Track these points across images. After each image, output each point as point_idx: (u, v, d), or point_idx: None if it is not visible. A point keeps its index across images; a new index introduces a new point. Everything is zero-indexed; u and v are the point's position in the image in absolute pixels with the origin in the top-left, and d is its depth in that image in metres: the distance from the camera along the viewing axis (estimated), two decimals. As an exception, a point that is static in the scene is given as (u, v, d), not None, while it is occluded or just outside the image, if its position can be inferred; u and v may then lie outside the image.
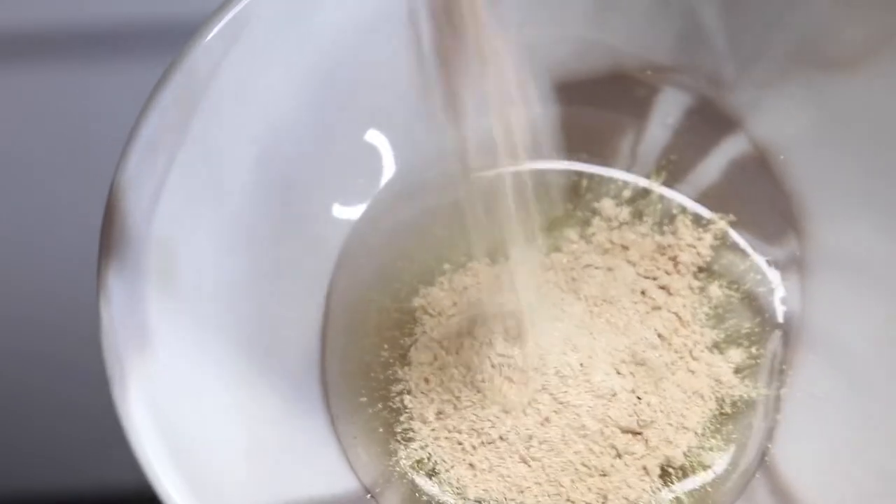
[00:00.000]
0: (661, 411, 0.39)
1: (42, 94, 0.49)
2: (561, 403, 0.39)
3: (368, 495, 0.39)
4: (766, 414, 0.40)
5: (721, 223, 0.42)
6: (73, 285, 0.43)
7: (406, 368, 0.41)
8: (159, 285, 0.37)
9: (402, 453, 0.39)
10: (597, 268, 0.41)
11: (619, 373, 0.39)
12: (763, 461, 0.39)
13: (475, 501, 0.39)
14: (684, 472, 0.39)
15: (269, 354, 0.39)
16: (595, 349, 0.40)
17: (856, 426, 0.39)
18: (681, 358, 0.40)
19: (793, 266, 0.41)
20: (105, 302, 0.36)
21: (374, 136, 0.42)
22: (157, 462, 0.34)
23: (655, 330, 0.40)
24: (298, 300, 0.41)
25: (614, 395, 0.39)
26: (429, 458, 0.39)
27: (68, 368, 0.47)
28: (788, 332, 0.40)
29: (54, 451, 0.47)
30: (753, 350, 0.40)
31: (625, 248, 0.42)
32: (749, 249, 0.42)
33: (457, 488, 0.39)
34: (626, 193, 0.42)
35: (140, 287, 0.36)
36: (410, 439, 0.40)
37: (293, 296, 0.40)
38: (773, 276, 0.41)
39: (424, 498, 0.39)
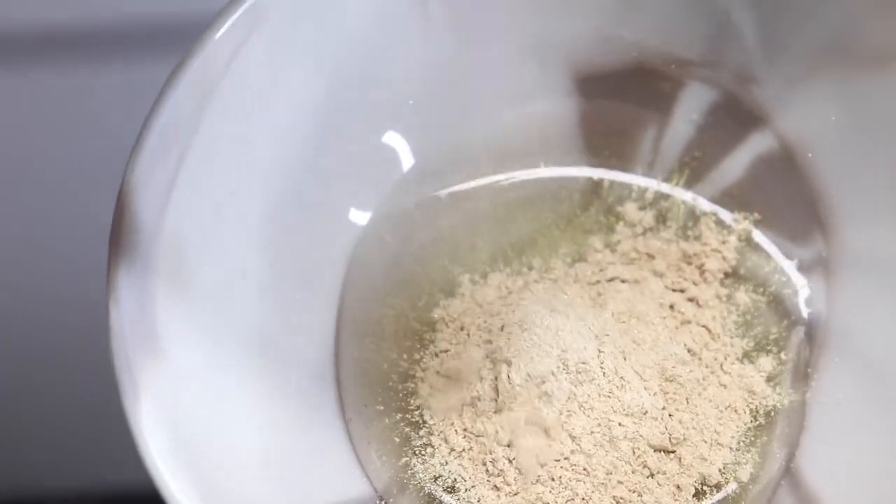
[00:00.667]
0: (694, 428, 0.38)
1: (52, 93, 0.47)
2: (590, 423, 0.38)
3: (382, 502, 0.38)
4: (791, 420, 0.39)
5: (745, 223, 0.41)
6: (83, 285, 0.42)
7: (426, 383, 0.40)
8: (170, 286, 0.36)
9: (419, 466, 0.38)
10: (623, 281, 0.40)
11: (649, 390, 0.38)
12: (789, 468, 0.38)
13: None
14: (718, 489, 0.38)
15: (283, 358, 0.38)
16: (624, 367, 0.38)
17: (881, 430, 0.38)
18: (712, 373, 0.39)
19: (818, 267, 0.40)
20: (115, 305, 0.35)
21: (392, 137, 0.41)
22: (169, 475, 0.33)
23: (685, 345, 0.39)
24: (313, 302, 0.39)
25: (645, 413, 0.38)
26: (448, 475, 0.38)
27: (77, 368, 0.46)
28: (813, 334, 0.40)
29: (62, 450, 0.46)
30: (782, 356, 0.39)
31: (650, 257, 0.41)
32: (774, 250, 0.41)
33: None
34: (649, 196, 0.41)
35: (150, 288, 0.35)
36: (429, 455, 0.39)
37: (308, 298, 0.39)
38: (798, 277, 0.40)
39: None
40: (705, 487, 0.38)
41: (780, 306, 0.40)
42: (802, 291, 0.40)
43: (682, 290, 0.40)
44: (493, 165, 0.41)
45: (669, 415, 0.38)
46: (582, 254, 0.41)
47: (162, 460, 0.33)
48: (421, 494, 0.38)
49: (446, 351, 0.40)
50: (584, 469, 0.38)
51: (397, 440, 0.39)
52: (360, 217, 0.41)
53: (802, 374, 0.39)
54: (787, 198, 0.40)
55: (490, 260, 0.41)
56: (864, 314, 0.39)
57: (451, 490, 0.38)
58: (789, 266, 0.40)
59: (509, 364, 0.38)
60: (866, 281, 0.39)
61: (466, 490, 0.38)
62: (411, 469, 0.38)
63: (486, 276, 0.41)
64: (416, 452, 0.39)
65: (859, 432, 0.38)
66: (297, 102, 0.39)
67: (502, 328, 0.39)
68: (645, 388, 0.38)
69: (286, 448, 0.37)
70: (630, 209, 0.41)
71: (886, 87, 0.39)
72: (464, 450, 0.38)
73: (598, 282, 0.40)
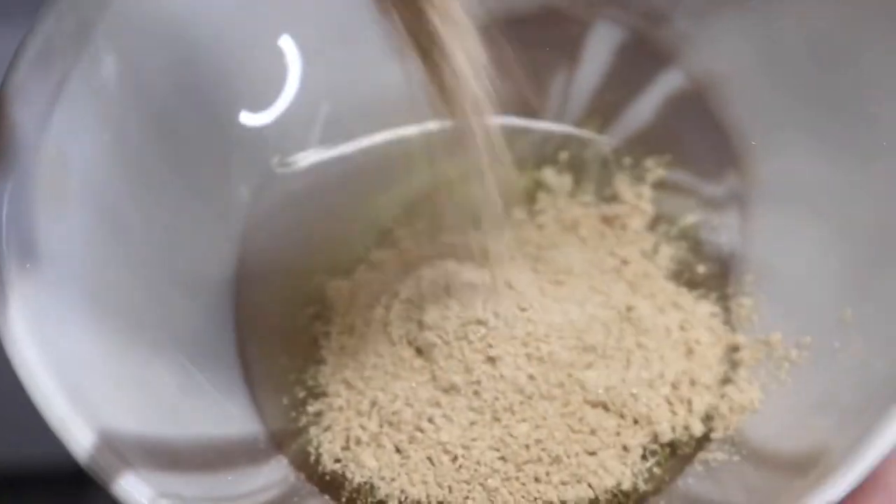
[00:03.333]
0: (645, 381, 0.36)
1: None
2: (520, 380, 0.36)
3: (269, 445, 0.36)
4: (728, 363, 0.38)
5: (658, 169, 0.40)
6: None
7: (331, 333, 0.38)
8: (52, 202, 0.34)
9: (313, 416, 0.37)
10: (551, 249, 0.39)
11: (587, 343, 0.37)
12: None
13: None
14: (672, 446, 0.36)
15: (178, 285, 0.37)
16: (563, 317, 0.37)
17: (806, 359, 0.36)
18: (664, 317, 0.38)
19: (734, 202, 0.39)
20: None
21: (286, 42, 0.40)
22: (37, 376, 0.32)
23: (625, 299, 0.38)
24: (210, 226, 0.38)
25: (589, 363, 0.36)
26: (346, 435, 0.36)
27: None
28: (736, 270, 0.39)
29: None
30: (712, 297, 0.38)
31: (574, 225, 0.39)
32: (688, 189, 0.40)
33: (374, 474, 0.36)
34: (563, 156, 0.40)
35: (28, 198, 0.34)
36: (329, 412, 0.37)
37: (204, 221, 0.38)
38: (715, 215, 0.39)
39: (322, 469, 0.36)
40: (655, 445, 0.36)
41: (701, 249, 0.39)
42: (721, 229, 0.39)
43: (610, 254, 0.39)
44: (399, 117, 0.40)
45: (606, 366, 0.36)
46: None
47: (30, 362, 0.32)
48: (311, 447, 0.36)
49: (352, 325, 0.38)
50: (506, 430, 0.36)
51: (300, 395, 0.37)
52: (255, 121, 0.39)
53: (734, 315, 0.38)
54: (699, 136, 0.40)
55: (401, 222, 0.39)
56: (780, 244, 0.38)
57: (346, 448, 0.36)
58: (705, 205, 0.40)
59: (423, 314, 0.37)
60: (781, 210, 0.39)
61: (361, 448, 0.36)
62: (307, 423, 0.37)
63: (397, 245, 0.39)
64: (314, 413, 0.37)
65: (786, 365, 0.37)
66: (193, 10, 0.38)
67: (417, 300, 0.37)
68: (583, 340, 0.37)
69: (173, 378, 0.35)
70: (549, 175, 0.40)
71: (791, 16, 0.38)
72: (363, 410, 0.36)
73: (526, 244, 0.39)
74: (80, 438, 0.31)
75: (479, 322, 0.36)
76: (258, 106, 0.39)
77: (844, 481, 0.31)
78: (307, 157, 0.40)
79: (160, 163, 0.37)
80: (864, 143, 0.37)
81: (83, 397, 0.32)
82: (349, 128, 0.40)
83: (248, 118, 0.39)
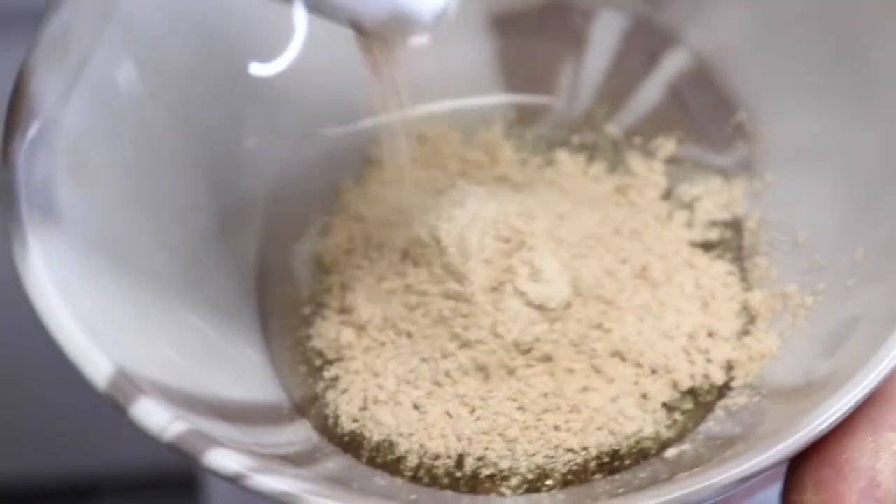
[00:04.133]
0: (654, 336, 0.37)
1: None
2: (532, 330, 0.36)
3: (292, 411, 0.37)
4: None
5: (669, 145, 0.41)
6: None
7: (329, 318, 0.38)
8: (71, 170, 0.35)
9: (330, 381, 0.37)
10: (565, 214, 0.39)
11: (602, 298, 0.37)
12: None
13: (413, 449, 0.36)
14: (694, 394, 0.37)
15: (203, 257, 0.38)
16: (570, 274, 0.37)
17: (817, 306, 0.37)
18: (683, 289, 0.38)
19: (744, 169, 0.40)
20: (10, 166, 0.34)
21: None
22: (59, 311, 0.33)
23: (633, 265, 0.38)
24: (233, 193, 0.39)
25: (604, 317, 0.37)
26: (363, 396, 0.37)
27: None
28: (745, 232, 0.39)
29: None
30: (728, 257, 0.39)
31: (588, 195, 0.40)
32: (699, 162, 0.41)
33: (393, 431, 0.36)
34: (576, 139, 0.42)
35: (48, 162, 0.35)
36: (338, 377, 0.37)
37: (228, 190, 0.39)
38: (726, 182, 0.40)
39: (341, 431, 0.36)
40: (674, 394, 0.36)
41: (714, 215, 0.40)
42: (733, 195, 0.40)
43: (624, 220, 0.40)
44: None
45: (621, 319, 0.37)
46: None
47: (51, 301, 0.33)
48: (328, 410, 0.37)
49: (361, 295, 0.38)
50: (525, 388, 0.36)
51: (316, 363, 0.38)
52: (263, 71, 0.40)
53: (750, 274, 0.39)
54: (707, 110, 0.41)
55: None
56: (792, 203, 0.39)
57: (364, 408, 0.36)
58: (716, 175, 0.40)
59: (435, 272, 0.37)
60: (789, 172, 0.39)
61: (379, 408, 0.36)
62: (325, 388, 0.37)
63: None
64: (331, 378, 0.37)
65: (802, 312, 0.37)
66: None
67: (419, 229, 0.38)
68: (596, 287, 0.37)
69: (195, 341, 0.36)
70: (561, 155, 0.41)
71: None
72: (382, 374, 0.37)
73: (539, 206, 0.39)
74: (98, 365, 0.32)
75: (492, 278, 0.37)
76: (268, 59, 0.41)
77: (850, 396, 0.32)
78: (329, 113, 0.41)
79: (180, 139, 0.39)
80: (862, 96, 0.38)
81: (102, 338, 0.33)
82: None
83: (258, 70, 0.41)
